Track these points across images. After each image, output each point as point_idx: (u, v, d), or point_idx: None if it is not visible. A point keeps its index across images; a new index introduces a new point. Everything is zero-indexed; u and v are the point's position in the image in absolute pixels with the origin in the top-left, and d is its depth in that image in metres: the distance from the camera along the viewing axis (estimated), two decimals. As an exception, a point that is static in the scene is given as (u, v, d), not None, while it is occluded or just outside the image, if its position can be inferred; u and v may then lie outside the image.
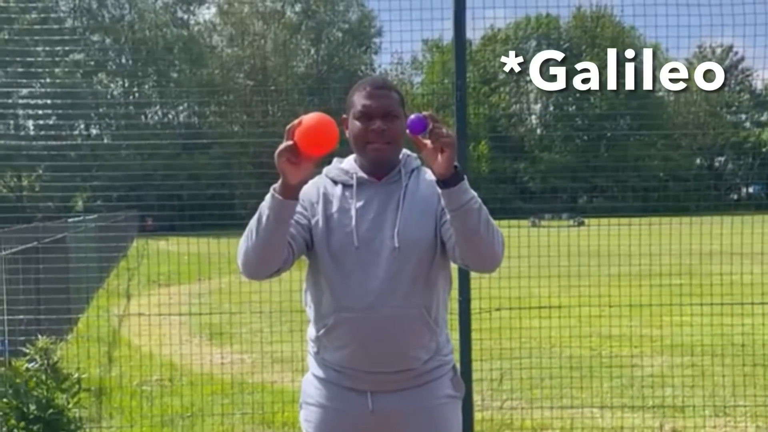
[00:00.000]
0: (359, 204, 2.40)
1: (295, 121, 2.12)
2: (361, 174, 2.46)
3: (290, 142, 2.09)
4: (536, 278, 6.26)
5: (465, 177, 2.18)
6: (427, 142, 2.15)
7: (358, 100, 2.41)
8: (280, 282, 6.19)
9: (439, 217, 2.39)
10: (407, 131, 2.18)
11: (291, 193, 2.16)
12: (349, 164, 2.52)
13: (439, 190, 2.20)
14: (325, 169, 2.55)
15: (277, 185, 2.18)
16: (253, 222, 2.22)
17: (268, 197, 2.19)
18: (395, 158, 2.47)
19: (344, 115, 2.48)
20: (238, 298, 7.01)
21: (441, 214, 2.37)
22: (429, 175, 2.51)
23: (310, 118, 2.10)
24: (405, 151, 2.54)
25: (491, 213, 2.26)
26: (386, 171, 2.46)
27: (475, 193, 2.21)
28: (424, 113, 2.14)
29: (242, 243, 2.26)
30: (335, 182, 2.48)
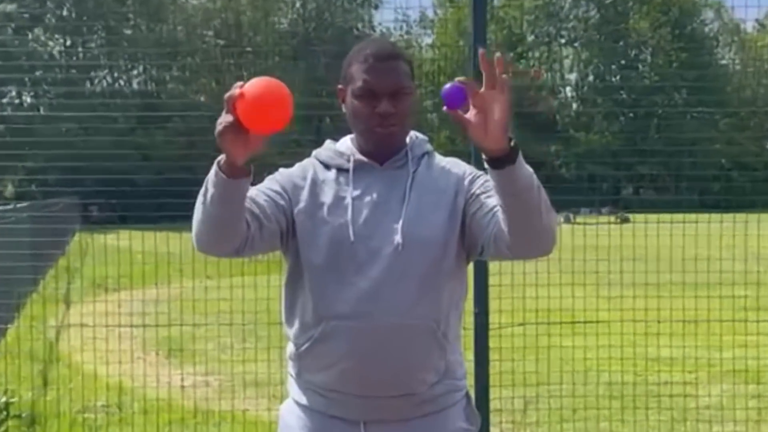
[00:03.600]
0: (356, 192, 2.41)
1: (235, 90, 2.04)
2: (360, 156, 2.47)
3: (231, 119, 2.04)
4: (569, 286, 6.27)
5: (519, 150, 2.13)
6: (470, 117, 2.09)
7: (359, 73, 2.41)
8: (256, 288, 6.21)
9: (465, 211, 2.40)
10: (444, 107, 2.09)
11: (238, 171, 2.14)
12: (345, 145, 2.53)
13: (492, 171, 2.14)
14: (315, 152, 2.56)
15: (222, 159, 2.14)
16: (199, 196, 2.22)
17: (212, 172, 2.16)
18: (403, 140, 2.49)
19: (340, 85, 2.49)
20: (203, 307, 7.03)
21: (469, 205, 2.39)
22: (443, 161, 2.53)
23: (254, 89, 2.03)
24: (413, 133, 2.55)
25: None
26: (391, 154, 2.47)
27: (531, 169, 2.17)
28: (460, 80, 2.06)
29: (193, 218, 2.27)
30: (327, 166, 2.49)
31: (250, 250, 2.33)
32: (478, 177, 2.45)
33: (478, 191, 2.40)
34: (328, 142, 2.58)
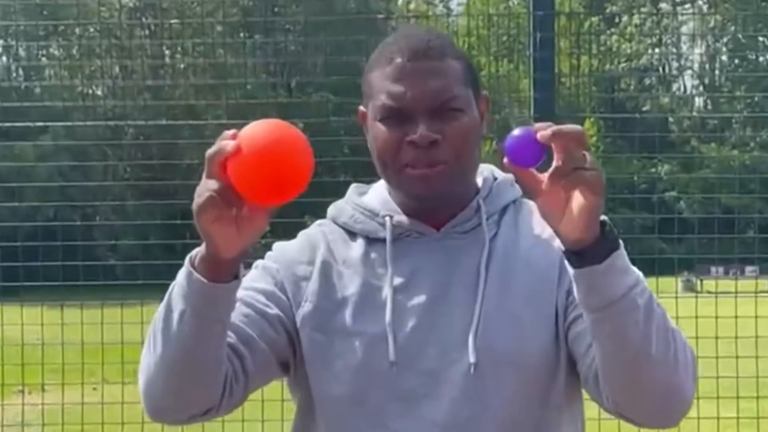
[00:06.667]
0: (400, 279, 2.40)
1: (227, 143, 2.00)
2: (402, 217, 2.45)
3: (217, 186, 2.00)
4: (713, 399, 6.22)
5: (620, 243, 2.11)
6: (543, 177, 2.06)
7: (381, 82, 2.38)
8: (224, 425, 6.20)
9: (564, 307, 2.36)
10: (505, 160, 2.04)
11: (224, 271, 2.13)
12: (378, 198, 2.52)
13: (570, 270, 2.12)
14: (332, 210, 2.55)
15: (197, 254, 2.15)
16: (158, 317, 2.18)
17: (181, 275, 2.16)
18: (465, 185, 2.46)
19: (361, 107, 2.49)
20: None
21: (569, 301, 2.33)
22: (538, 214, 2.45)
23: (256, 136, 2.02)
24: (488, 167, 2.54)
25: None
26: (449, 210, 2.45)
27: (638, 273, 2.15)
28: (538, 129, 2.01)
29: (143, 354, 2.24)
30: (351, 234, 2.49)
31: (229, 404, 2.31)
32: None
33: None
34: (352, 191, 2.57)
